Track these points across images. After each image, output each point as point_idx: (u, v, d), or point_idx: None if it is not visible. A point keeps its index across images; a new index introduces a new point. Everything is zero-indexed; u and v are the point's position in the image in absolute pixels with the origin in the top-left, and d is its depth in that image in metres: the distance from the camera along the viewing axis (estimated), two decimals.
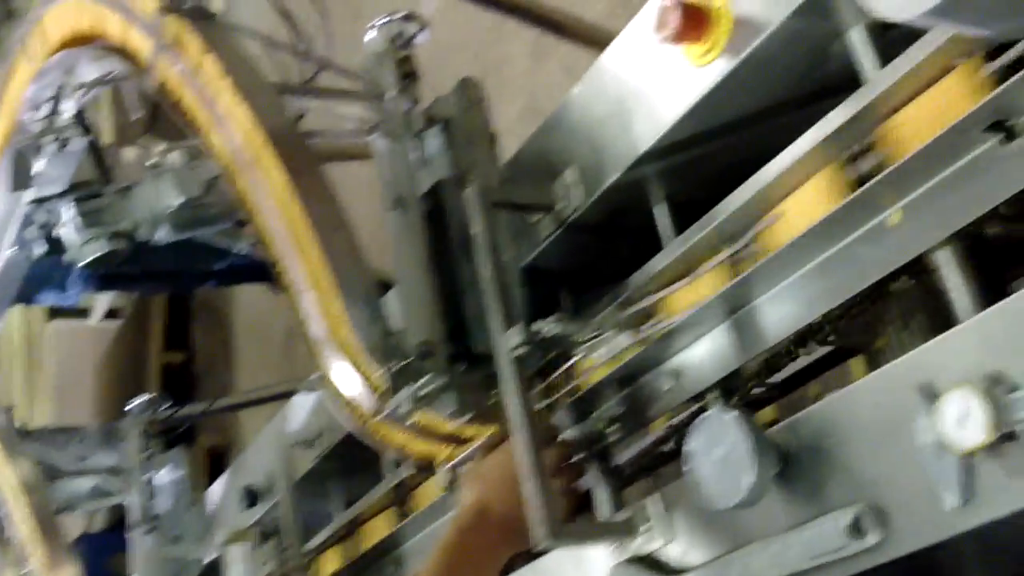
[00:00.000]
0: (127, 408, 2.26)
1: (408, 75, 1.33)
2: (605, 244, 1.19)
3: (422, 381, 1.07)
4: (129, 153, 2.50)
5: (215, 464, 4.20)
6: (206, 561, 1.97)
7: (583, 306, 1.29)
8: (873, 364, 0.96)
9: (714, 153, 1.07)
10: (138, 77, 1.38)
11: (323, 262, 1.18)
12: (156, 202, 1.98)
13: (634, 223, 1.16)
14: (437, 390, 1.08)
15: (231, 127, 1.18)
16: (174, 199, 1.99)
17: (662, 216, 1.10)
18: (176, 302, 4.85)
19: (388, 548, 1.48)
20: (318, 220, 1.19)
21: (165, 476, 2.19)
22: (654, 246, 1.10)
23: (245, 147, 1.17)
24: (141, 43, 1.35)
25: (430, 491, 1.42)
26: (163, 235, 1.99)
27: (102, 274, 3.35)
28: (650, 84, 1.03)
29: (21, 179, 2.03)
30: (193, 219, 2.02)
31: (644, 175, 1.09)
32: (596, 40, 2.25)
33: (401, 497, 1.48)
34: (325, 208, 1.20)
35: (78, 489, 2.59)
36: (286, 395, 3.72)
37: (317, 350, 1.20)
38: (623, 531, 0.99)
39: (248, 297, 4.29)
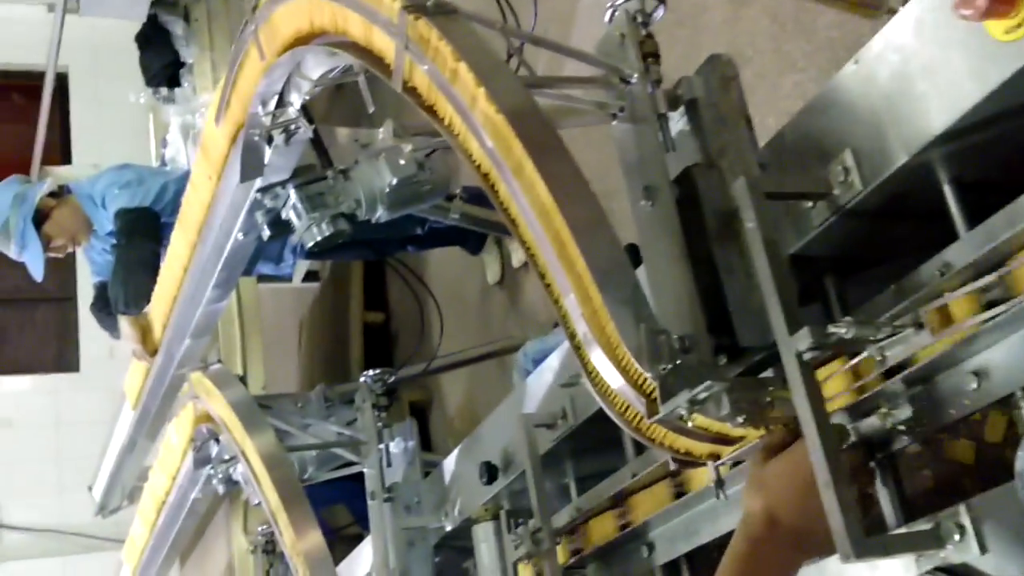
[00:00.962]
0: (361, 379, 2.33)
1: (650, 55, 1.29)
2: (881, 230, 1.13)
3: (699, 387, 1.04)
4: (341, 134, 2.56)
5: (416, 419, 4.31)
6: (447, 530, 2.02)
7: (848, 294, 1.24)
8: None
9: (1012, 133, 0.99)
10: (381, 74, 1.38)
11: (585, 264, 1.16)
12: (374, 182, 2.03)
13: (916, 207, 1.09)
14: (712, 394, 1.05)
15: (488, 134, 1.17)
16: (390, 178, 2.03)
17: (953, 201, 1.03)
18: (371, 264, 5.00)
19: (639, 533, 1.48)
20: (579, 223, 1.17)
21: (397, 446, 2.26)
22: (938, 231, 1.03)
23: (505, 156, 1.16)
24: (384, 43, 1.36)
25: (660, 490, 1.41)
26: (382, 214, 2.04)
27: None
28: (945, 60, 0.95)
29: (252, 170, 2.11)
30: (409, 197, 2.06)
31: (933, 157, 1.01)
32: None
33: (647, 484, 1.47)
34: (585, 209, 1.18)
35: (309, 456, 2.72)
36: (496, 354, 3.80)
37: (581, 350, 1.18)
38: (931, 542, 0.94)
39: (441, 260, 4.37)
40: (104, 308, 3.65)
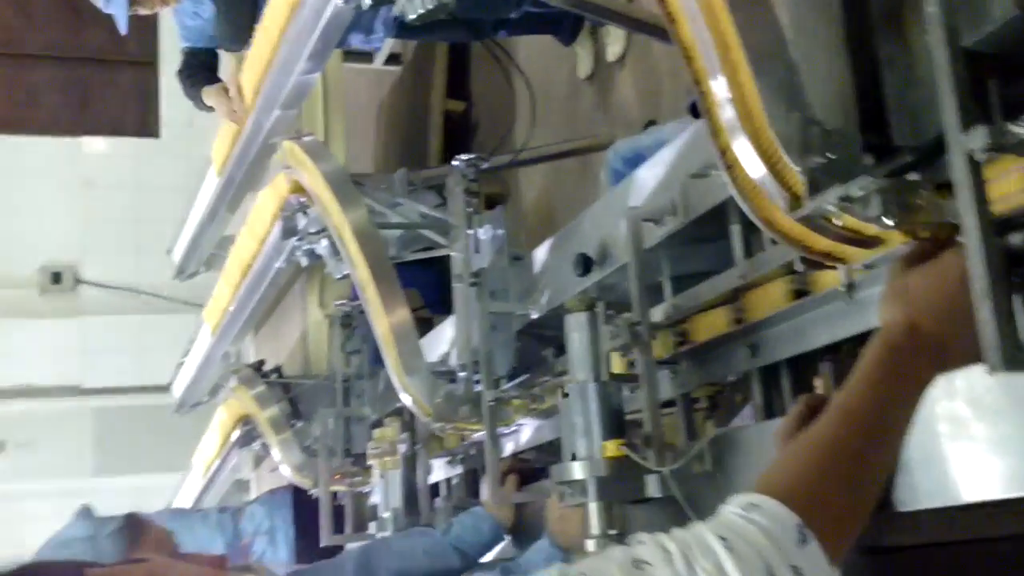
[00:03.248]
0: (452, 164, 2.29)
1: None
2: None
3: (853, 184, 0.98)
4: None
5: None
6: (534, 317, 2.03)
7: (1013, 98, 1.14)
8: None
9: None
10: None
11: (738, 41, 1.08)
12: None
13: None
14: (866, 192, 0.99)
15: None
16: None
17: None
18: (455, 50, 4.86)
19: (743, 333, 1.46)
20: None
21: (486, 233, 2.25)
22: None
23: None
24: None
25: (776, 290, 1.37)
26: None
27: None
28: None
29: None
30: None
31: None
32: None
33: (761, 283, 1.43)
34: None
35: (392, 237, 2.73)
36: (582, 151, 3.73)
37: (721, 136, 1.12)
38: None
39: (531, 51, 4.22)
40: (191, 76, 3.62)
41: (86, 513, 1.79)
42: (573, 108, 4.06)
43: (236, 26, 3.08)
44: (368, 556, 2.01)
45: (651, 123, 3.28)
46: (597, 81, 3.85)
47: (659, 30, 2.83)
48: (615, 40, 3.61)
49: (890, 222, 1.01)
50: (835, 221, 1.03)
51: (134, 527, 1.75)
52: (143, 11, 3.59)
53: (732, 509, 0.94)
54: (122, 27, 3.53)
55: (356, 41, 3.50)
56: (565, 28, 3.76)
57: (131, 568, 1.13)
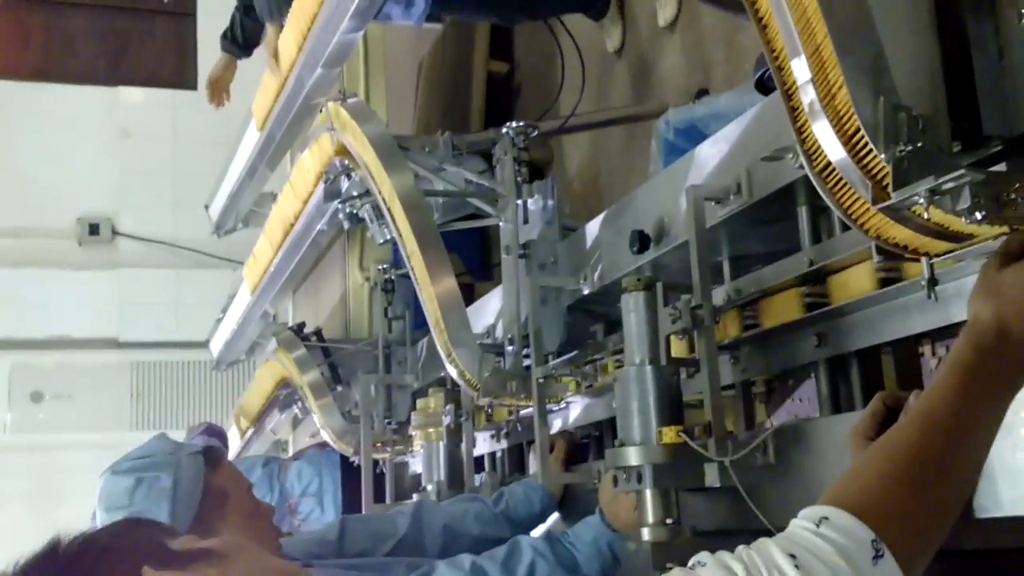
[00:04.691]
0: (502, 130, 2.23)
1: None
2: None
3: (945, 178, 0.93)
4: None
5: (534, 178, 4.26)
6: (585, 293, 1.99)
7: None
8: None
9: None
10: None
11: (824, 21, 1.02)
12: None
13: None
14: (958, 185, 0.94)
15: None
16: None
17: None
18: None
19: (810, 322, 1.41)
20: None
21: (536, 203, 2.20)
22: None
23: None
24: None
25: (860, 279, 1.31)
26: None
27: None
28: None
29: None
30: None
31: None
32: None
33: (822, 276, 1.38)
34: None
35: (436, 202, 2.69)
36: (632, 119, 3.66)
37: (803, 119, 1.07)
38: None
39: (573, 17, 4.13)
40: (234, 42, 3.66)
41: (164, 437, 1.83)
42: (619, 76, 3.97)
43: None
44: (420, 512, 2.01)
45: (703, 92, 3.20)
46: (643, 50, 3.77)
47: None
48: (666, 4, 3.52)
49: (980, 216, 0.96)
50: (921, 213, 0.98)
51: (213, 454, 1.78)
52: None
53: (802, 523, 0.90)
54: None
55: (395, 12, 3.47)
56: (593, 3, 3.70)
57: (219, 544, 1.13)
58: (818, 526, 0.88)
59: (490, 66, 4.61)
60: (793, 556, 0.86)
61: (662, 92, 3.61)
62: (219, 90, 3.97)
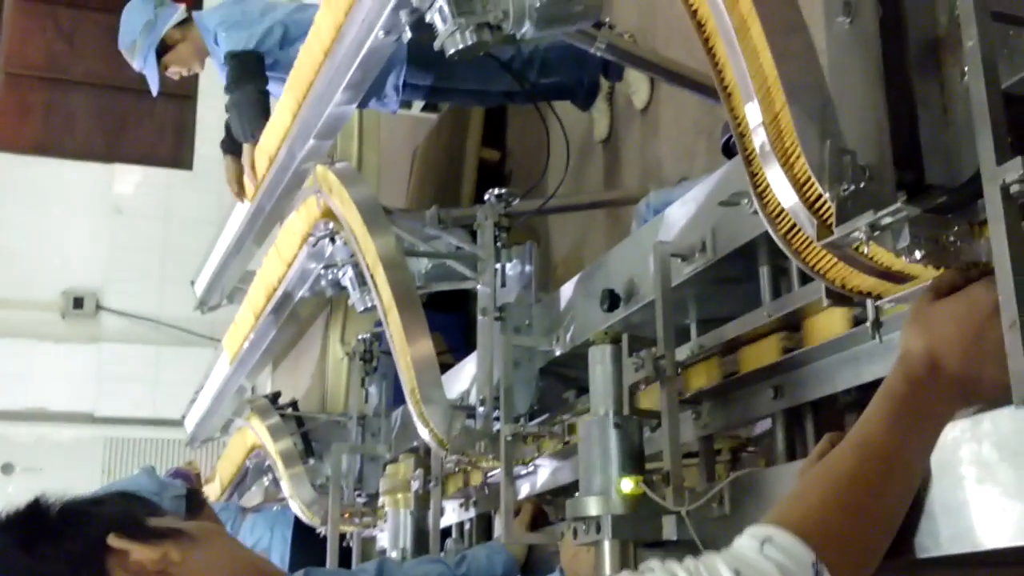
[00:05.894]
0: (484, 198, 2.30)
1: None
2: None
3: (884, 212, 0.98)
4: None
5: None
6: (557, 354, 2.02)
7: None
8: None
9: None
10: None
11: (774, 67, 1.09)
12: None
13: None
14: (895, 222, 0.99)
15: None
16: None
17: None
18: None
19: (769, 374, 1.44)
20: (771, 20, 1.10)
21: (514, 268, 2.25)
22: None
23: None
24: None
25: (827, 324, 1.36)
26: (528, 31, 1.96)
27: (416, 85, 3.56)
28: None
29: None
30: (558, 16, 1.98)
31: None
32: None
33: (794, 324, 1.42)
34: (780, 6, 1.10)
35: (419, 270, 2.73)
36: (614, 203, 3.75)
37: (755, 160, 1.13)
38: None
39: (565, 105, 4.27)
40: (233, 145, 3.81)
41: (151, 471, 1.82)
42: (606, 163, 4.09)
43: (248, 121, 3.46)
44: (383, 570, 1.99)
45: (684, 180, 3.30)
46: (624, 139, 3.89)
47: (689, 80, 2.87)
48: (639, 89, 3.68)
49: (919, 255, 1.01)
50: (867, 250, 1.03)
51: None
52: (173, 72, 3.85)
53: (747, 541, 0.92)
54: (154, 88, 3.83)
55: (372, 103, 3.61)
56: (580, 95, 3.83)
57: (193, 527, 1.14)
58: (762, 545, 0.91)
59: (482, 153, 4.74)
60: (738, 572, 0.88)
61: (646, 179, 3.72)
62: (238, 183, 4.01)
